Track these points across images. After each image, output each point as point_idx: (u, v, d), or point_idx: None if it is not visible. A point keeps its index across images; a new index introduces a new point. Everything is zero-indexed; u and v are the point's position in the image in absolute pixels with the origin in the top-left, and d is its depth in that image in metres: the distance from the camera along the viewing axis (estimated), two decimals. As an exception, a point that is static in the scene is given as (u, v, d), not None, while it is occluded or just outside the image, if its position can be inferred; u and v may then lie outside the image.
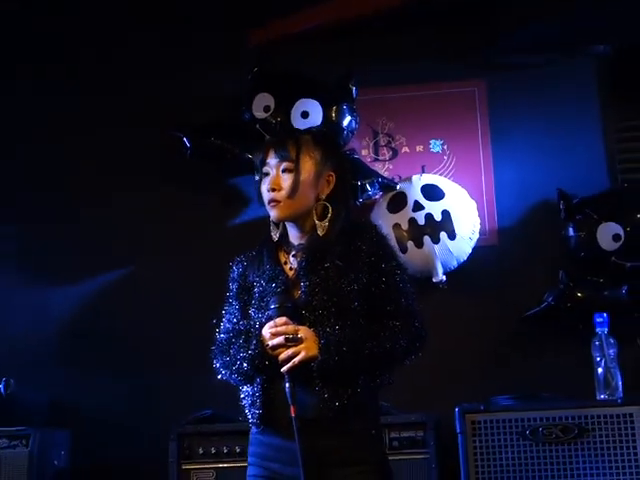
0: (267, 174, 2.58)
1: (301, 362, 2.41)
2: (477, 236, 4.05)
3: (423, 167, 4.20)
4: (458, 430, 3.43)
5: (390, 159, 4.30)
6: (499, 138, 4.25)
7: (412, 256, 3.87)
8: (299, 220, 2.59)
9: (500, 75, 4.27)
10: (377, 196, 4.09)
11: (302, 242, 2.58)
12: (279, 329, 2.44)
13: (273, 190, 2.55)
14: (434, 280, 3.94)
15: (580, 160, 4.16)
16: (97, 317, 4.27)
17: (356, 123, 4.10)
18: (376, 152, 4.31)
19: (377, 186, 4.04)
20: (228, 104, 4.20)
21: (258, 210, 3.76)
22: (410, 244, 3.90)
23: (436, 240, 3.92)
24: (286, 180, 2.54)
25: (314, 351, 2.41)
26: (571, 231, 3.97)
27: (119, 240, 4.31)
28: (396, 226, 3.94)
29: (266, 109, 4.01)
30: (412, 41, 4.29)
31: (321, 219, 2.56)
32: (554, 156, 4.19)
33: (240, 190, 4.31)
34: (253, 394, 2.51)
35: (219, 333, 2.65)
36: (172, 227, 4.30)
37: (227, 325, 2.64)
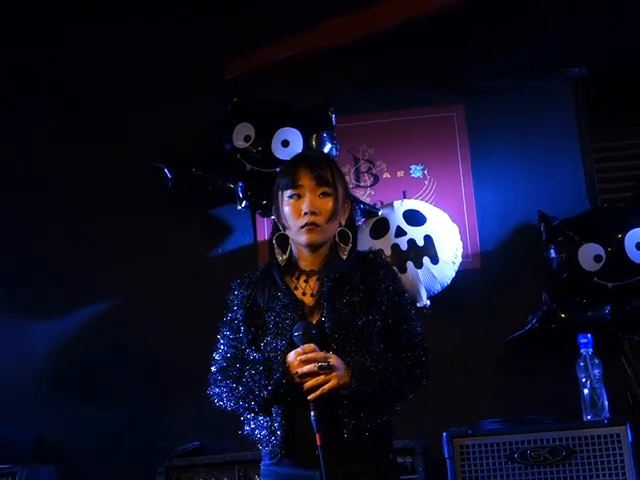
0: (298, 196, 2.55)
1: (331, 390, 2.40)
2: (460, 260, 4.06)
3: (404, 192, 4.24)
4: (446, 455, 3.45)
5: (371, 185, 4.31)
6: (479, 162, 4.27)
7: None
8: (322, 246, 2.59)
9: (479, 100, 4.30)
10: (360, 222, 4.08)
11: (314, 268, 2.59)
12: (309, 356, 2.41)
13: (313, 213, 2.53)
14: (418, 305, 3.92)
15: (560, 182, 4.20)
16: (80, 351, 4.25)
17: (337, 150, 4.12)
18: (357, 178, 4.32)
19: (359, 212, 4.05)
20: (209, 135, 4.23)
21: (240, 240, 4.26)
22: None
23: (419, 265, 3.93)
24: (325, 204, 2.54)
25: (346, 379, 2.42)
26: (553, 253, 3.98)
27: (101, 273, 4.29)
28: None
29: (247, 139, 4.03)
30: (391, 67, 4.32)
31: (344, 243, 2.59)
32: (534, 178, 4.23)
33: (221, 220, 4.32)
34: (271, 424, 2.49)
35: (219, 360, 2.62)
36: (154, 258, 4.29)
37: (230, 352, 2.61)
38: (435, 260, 3.95)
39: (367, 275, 2.56)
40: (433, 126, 4.31)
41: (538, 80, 4.24)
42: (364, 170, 4.33)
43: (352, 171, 4.32)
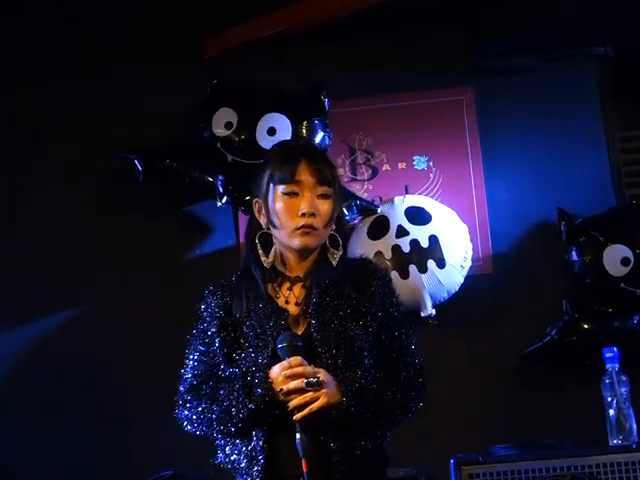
0: (295, 193, 2.54)
1: (320, 409, 2.39)
2: (469, 264, 4.04)
3: (406, 187, 4.23)
4: (454, 485, 3.42)
5: (369, 179, 4.30)
6: (491, 152, 4.24)
7: (397, 288, 3.65)
8: (313, 251, 2.59)
9: (490, 82, 4.27)
10: (356, 221, 4.07)
11: (299, 274, 2.58)
12: (296, 370, 2.40)
13: (312, 215, 2.51)
14: (422, 315, 3.92)
15: (582, 175, 4.19)
16: (32, 367, 4.21)
17: (330, 139, 4.09)
18: (353, 171, 4.31)
19: (355, 210, 4.03)
20: (185, 121, 4.20)
21: (220, 241, 4.25)
22: (394, 275, 3.84)
23: (423, 269, 3.91)
24: (324, 207, 2.54)
25: (337, 397, 2.41)
26: (574, 255, 3.97)
27: (62, 277, 4.25)
28: (378, 254, 3.91)
29: (228, 126, 4.01)
30: (390, 46, 4.29)
31: (334, 247, 2.58)
32: (553, 171, 4.21)
33: (199, 218, 4.29)
34: (252, 449, 2.45)
35: (188, 378, 2.60)
36: (123, 261, 4.26)
37: (202, 368, 2.59)
38: (441, 264, 3.94)
39: (359, 283, 2.56)
40: (439, 112, 4.28)
41: (557, 60, 4.21)
42: (361, 162, 4.31)
43: (347, 163, 4.31)
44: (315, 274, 2.56)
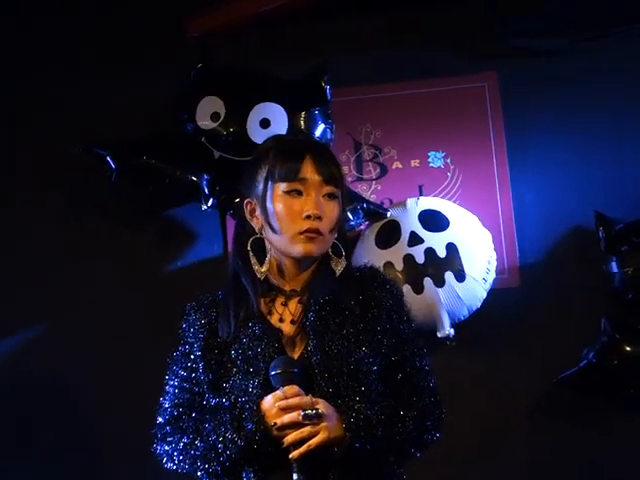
0: (299, 192, 2.51)
1: (319, 446, 2.33)
2: (493, 276, 4.00)
3: (420, 187, 4.20)
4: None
5: (378, 178, 4.27)
6: (518, 147, 4.20)
7: (410, 304, 3.75)
8: (314, 260, 2.57)
9: (517, 66, 4.22)
10: (362, 227, 4.05)
11: (295, 287, 2.56)
12: (291, 402, 2.34)
13: (318, 218, 2.49)
14: (439, 335, 3.87)
15: (623, 175, 4.15)
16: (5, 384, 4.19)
17: (332, 132, 4.04)
18: (359, 169, 4.28)
19: (361, 214, 3.98)
20: (164, 112, 4.16)
21: (205, 250, 4.25)
22: (407, 288, 3.80)
23: (440, 283, 3.87)
24: (330, 209, 2.53)
25: (339, 431, 2.36)
26: (614, 267, 3.93)
27: (28, 288, 4.23)
28: (388, 265, 3.86)
29: (214, 117, 3.96)
30: (401, 24, 4.26)
31: (337, 255, 2.57)
32: (589, 170, 4.17)
33: (181, 223, 4.27)
34: None
35: (167, 409, 2.58)
36: (93, 273, 4.23)
37: (183, 397, 2.57)
38: (461, 276, 3.88)
39: (365, 297, 2.55)
40: (458, 101, 4.23)
41: (594, 40, 4.16)
42: (368, 158, 4.27)
43: (352, 159, 4.28)
44: (313, 287, 2.53)
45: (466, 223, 3.99)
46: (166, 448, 2.50)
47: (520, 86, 4.20)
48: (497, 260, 4.01)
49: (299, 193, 2.50)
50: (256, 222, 2.55)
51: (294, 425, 2.33)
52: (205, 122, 3.95)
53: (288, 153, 2.54)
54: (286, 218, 2.49)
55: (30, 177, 4.28)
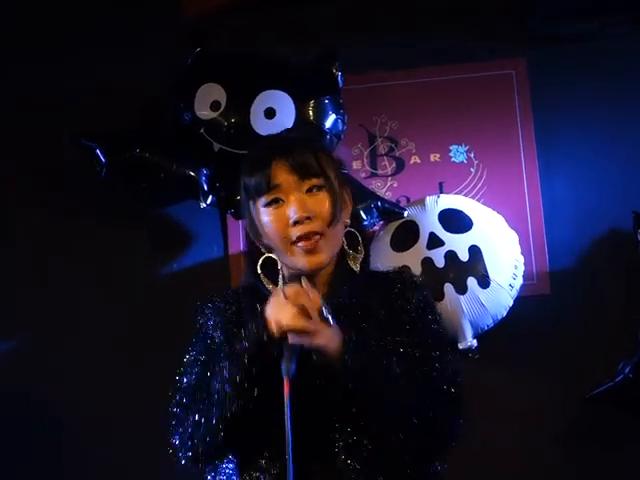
0: (279, 200, 2.43)
1: (313, 340, 2.24)
2: (520, 282, 3.94)
3: (441, 184, 4.17)
4: None
5: (393, 174, 4.22)
6: (548, 141, 4.15)
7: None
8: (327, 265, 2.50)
9: (547, 51, 4.17)
10: (376, 227, 4.00)
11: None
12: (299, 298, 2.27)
13: (307, 219, 2.41)
14: (460, 347, 3.84)
15: None
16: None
17: (343, 123, 3.98)
18: (373, 164, 4.23)
19: (376, 213, 3.92)
20: (159, 100, 4.11)
21: (204, 252, 4.23)
22: None
23: (462, 289, 3.82)
24: (319, 203, 2.45)
25: (336, 345, 2.27)
26: None
27: (8, 295, 4.18)
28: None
29: (214, 106, 3.90)
30: (421, 5, 4.20)
31: (355, 250, 2.53)
32: (627, 165, 4.12)
33: (177, 223, 4.22)
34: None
35: (185, 389, 2.50)
36: (81, 277, 4.17)
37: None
38: (485, 282, 3.83)
39: (389, 296, 2.49)
40: (482, 89, 4.18)
41: (632, 24, 4.12)
42: (383, 152, 4.22)
43: (366, 153, 4.23)
44: (331, 291, 2.46)
45: (491, 224, 3.95)
46: (182, 440, 2.41)
47: (551, 74, 4.16)
48: (525, 265, 3.96)
49: (280, 201, 2.44)
50: (258, 242, 2.53)
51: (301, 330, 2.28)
52: (204, 112, 3.90)
53: (256, 163, 2.48)
54: (275, 232, 2.44)
55: (13, 172, 4.24)
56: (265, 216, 2.45)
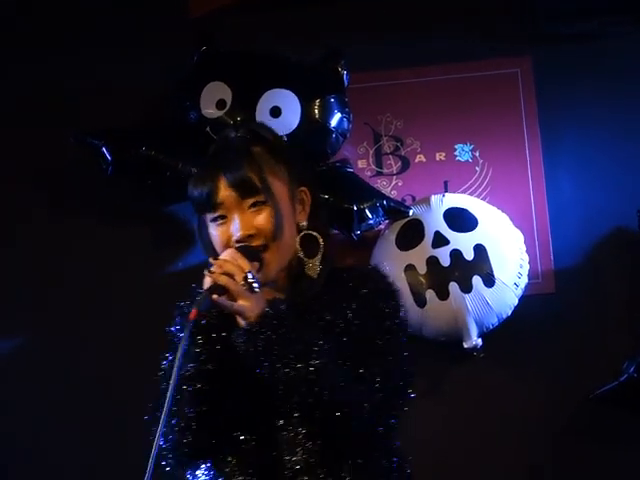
0: (223, 217, 2.42)
1: (231, 310, 2.26)
2: (525, 281, 3.94)
3: (446, 183, 4.17)
4: None
5: (399, 172, 4.21)
6: (554, 140, 4.14)
7: (434, 311, 3.82)
8: (279, 277, 2.46)
9: (552, 50, 4.16)
10: (381, 226, 3.99)
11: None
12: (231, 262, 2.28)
13: (249, 237, 2.38)
14: (465, 346, 3.84)
15: None
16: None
17: (349, 122, 3.98)
18: (378, 163, 4.23)
19: (381, 212, 3.92)
20: (165, 99, 4.09)
21: None
22: (430, 294, 3.81)
23: (467, 288, 3.82)
24: (262, 221, 2.41)
25: (256, 313, 2.26)
26: None
27: (8, 295, 4.15)
28: (410, 269, 3.85)
29: (220, 105, 3.89)
30: (426, 3, 4.20)
31: (309, 256, 2.47)
32: (633, 164, 4.11)
33: (182, 221, 4.17)
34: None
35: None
36: (84, 278, 4.16)
37: None
38: (490, 281, 3.83)
39: (339, 296, 2.44)
40: (487, 88, 4.18)
41: (632, 24, 4.10)
42: (388, 151, 4.21)
43: (371, 152, 4.22)
44: (287, 298, 2.43)
45: (496, 222, 3.95)
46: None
47: (556, 73, 4.14)
48: (530, 263, 3.96)
49: (224, 218, 2.42)
50: (208, 252, 2.53)
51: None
52: (210, 110, 3.88)
53: (200, 178, 2.46)
54: (221, 247, 2.43)
55: (16, 171, 4.22)
56: (212, 230, 2.46)
